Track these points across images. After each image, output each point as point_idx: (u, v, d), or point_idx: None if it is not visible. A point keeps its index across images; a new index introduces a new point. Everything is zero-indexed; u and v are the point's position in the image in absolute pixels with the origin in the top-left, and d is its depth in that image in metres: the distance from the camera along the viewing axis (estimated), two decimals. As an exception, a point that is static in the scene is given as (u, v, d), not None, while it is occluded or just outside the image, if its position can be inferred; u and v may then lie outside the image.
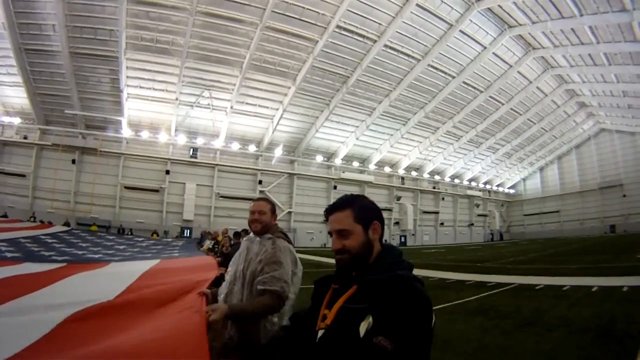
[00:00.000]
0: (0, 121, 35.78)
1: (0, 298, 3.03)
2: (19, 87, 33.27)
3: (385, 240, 1.78)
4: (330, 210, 1.75)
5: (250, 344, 2.71)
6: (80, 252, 9.80)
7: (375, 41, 33.35)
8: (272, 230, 3.12)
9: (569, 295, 10.11)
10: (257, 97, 36.61)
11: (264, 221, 3.12)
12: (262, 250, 2.95)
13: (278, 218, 3.46)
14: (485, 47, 36.26)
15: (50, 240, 11.84)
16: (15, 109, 35.76)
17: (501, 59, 38.36)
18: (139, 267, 5.60)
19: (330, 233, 1.74)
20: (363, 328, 1.40)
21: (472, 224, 59.46)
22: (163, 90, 34.68)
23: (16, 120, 35.69)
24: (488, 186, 61.97)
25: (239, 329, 2.72)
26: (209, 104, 36.42)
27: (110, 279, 4.48)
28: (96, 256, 9.24)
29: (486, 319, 7.89)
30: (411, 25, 32.45)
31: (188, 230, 37.29)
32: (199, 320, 2.08)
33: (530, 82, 42.37)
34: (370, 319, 1.40)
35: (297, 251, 3.18)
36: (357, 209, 1.70)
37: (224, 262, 7.39)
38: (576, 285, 11.29)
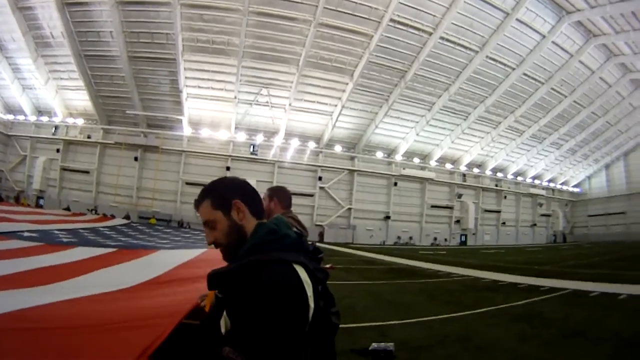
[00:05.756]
0: (65, 122, 38.37)
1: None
2: (81, 91, 35.51)
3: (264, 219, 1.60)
4: (195, 206, 1.61)
5: None
6: (134, 242, 10.47)
7: (430, 34, 32.58)
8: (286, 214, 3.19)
9: (623, 306, 9.65)
10: (315, 94, 36.75)
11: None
12: None
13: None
14: (544, 36, 34.53)
15: (108, 232, 12.69)
16: (79, 110, 38.22)
17: (561, 47, 36.31)
18: (180, 258, 5.88)
19: None
20: (223, 324, 1.34)
21: (535, 224, 56.37)
22: (222, 89, 35.62)
23: (79, 121, 38.17)
24: (552, 184, 58.45)
25: None
26: (267, 102, 36.89)
27: (150, 266, 4.89)
28: (148, 244, 9.91)
29: (529, 326, 7.62)
30: (466, 16, 31.67)
31: (249, 225, 38.29)
32: (181, 307, 2.16)
33: (593, 72, 39.63)
34: (225, 313, 1.33)
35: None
36: (215, 195, 1.55)
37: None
38: (634, 295, 10.63)
